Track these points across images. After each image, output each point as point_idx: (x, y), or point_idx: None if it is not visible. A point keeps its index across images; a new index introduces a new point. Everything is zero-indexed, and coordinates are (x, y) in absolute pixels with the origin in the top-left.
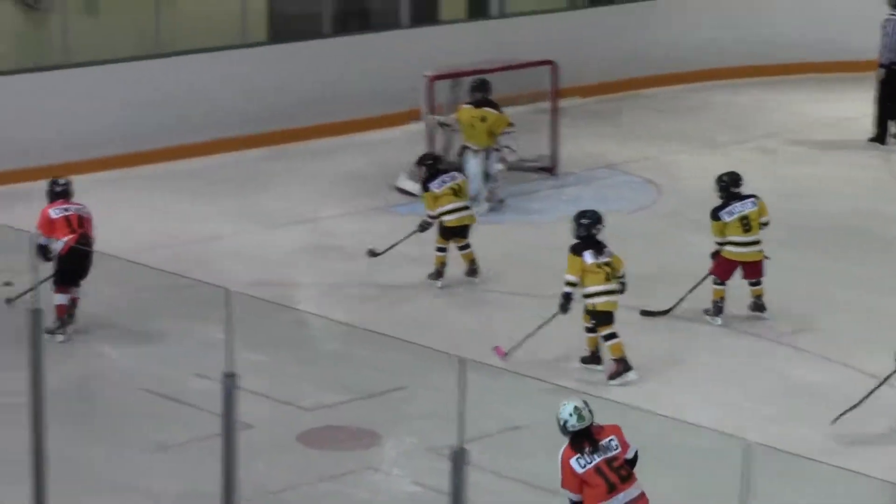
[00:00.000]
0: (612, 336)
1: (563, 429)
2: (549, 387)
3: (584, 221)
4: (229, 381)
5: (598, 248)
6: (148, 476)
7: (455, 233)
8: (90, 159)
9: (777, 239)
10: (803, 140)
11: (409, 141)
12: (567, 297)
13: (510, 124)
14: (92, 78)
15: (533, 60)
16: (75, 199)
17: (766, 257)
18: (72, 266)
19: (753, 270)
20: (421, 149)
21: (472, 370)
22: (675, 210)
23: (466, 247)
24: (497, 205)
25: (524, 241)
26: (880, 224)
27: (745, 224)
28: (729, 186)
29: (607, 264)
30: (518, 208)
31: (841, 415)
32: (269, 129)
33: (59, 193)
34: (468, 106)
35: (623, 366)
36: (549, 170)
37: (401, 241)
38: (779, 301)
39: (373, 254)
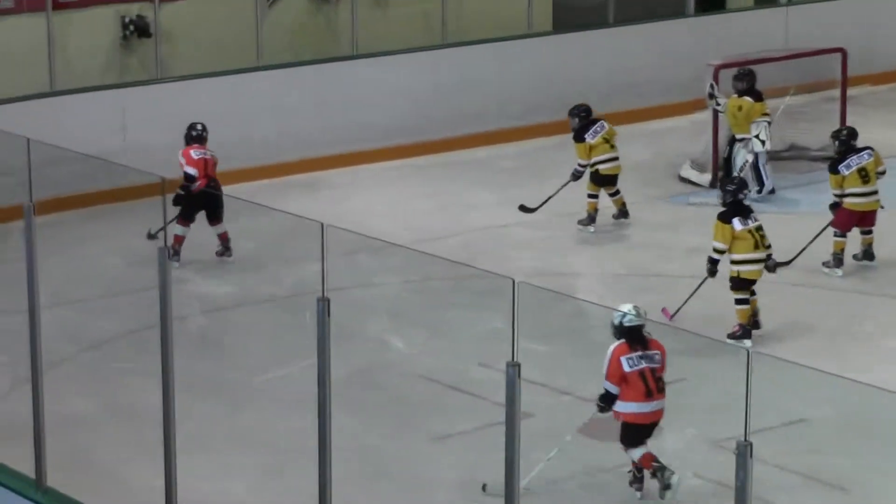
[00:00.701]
0: (744, 301)
1: (619, 327)
2: (833, 379)
3: (730, 188)
4: (513, 370)
5: (746, 213)
6: (428, 464)
7: (608, 181)
8: (377, 149)
9: None
10: None
11: (694, 131)
12: (713, 262)
13: (765, 114)
14: (378, 69)
15: (822, 48)
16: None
17: (882, 206)
18: (199, 204)
19: (869, 219)
20: (706, 138)
21: (758, 362)
22: None
23: (617, 192)
24: (766, 195)
25: (811, 231)
26: None
27: (864, 175)
28: (848, 140)
29: (758, 230)
30: (803, 200)
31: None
32: (554, 119)
33: (196, 137)
34: (734, 95)
35: (742, 331)
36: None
37: (555, 192)
38: None
39: (525, 209)
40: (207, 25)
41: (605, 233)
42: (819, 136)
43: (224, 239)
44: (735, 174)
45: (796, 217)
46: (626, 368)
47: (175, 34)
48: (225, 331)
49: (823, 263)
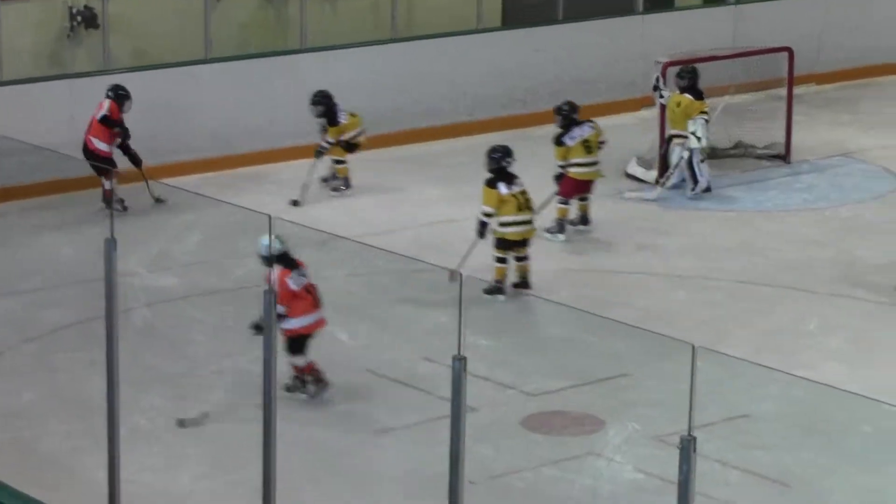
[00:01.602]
0: (502, 260)
1: (269, 256)
2: (780, 375)
3: (494, 155)
4: (459, 364)
5: (510, 179)
6: (373, 458)
7: (580, 186)
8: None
9: None
10: None
11: (642, 128)
12: (483, 225)
13: (703, 112)
14: (327, 63)
15: (769, 47)
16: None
17: (602, 175)
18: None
19: (588, 187)
20: (653, 135)
21: (702, 358)
22: None
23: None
24: (698, 193)
25: (757, 231)
26: None
27: (587, 147)
28: (570, 114)
29: (522, 194)
30: (749, 198)
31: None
32: (505, 113)
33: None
34: (676, 92)
35: (496, 289)
36: (783, 157)
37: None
38: None
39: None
40: (156, 17)
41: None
42: (765, 134)
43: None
44: (671, 171)
45: (734, 214)
46: (294, 287)
47: (123, 25)
48: (171, 323)
49: (546, 230)
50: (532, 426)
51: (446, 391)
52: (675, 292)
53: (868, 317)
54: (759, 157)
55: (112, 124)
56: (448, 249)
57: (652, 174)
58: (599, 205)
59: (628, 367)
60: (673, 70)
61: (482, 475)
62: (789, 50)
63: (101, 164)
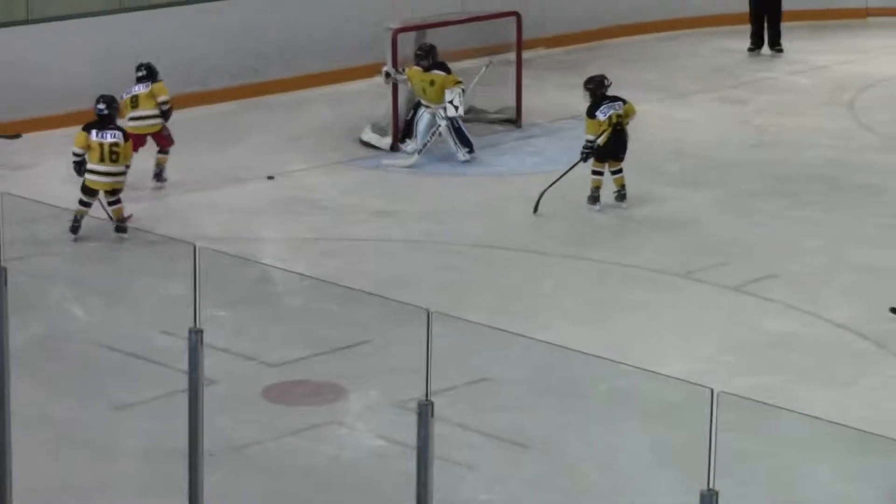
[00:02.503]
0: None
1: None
2: (518, 339)
3: (590, 86)
4: (195, 337)
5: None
6: (112, 433)
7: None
8: (55, 115)
9: (749, 190)
10: (772, 89)
11: (375, 94)
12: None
13: (458, 83)
14: (60, 33)
15: (497, 12)
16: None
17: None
18: None
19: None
20: (386, 102)
21: (438, 322)
22: (644, 162)
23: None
24: (468, 157)
25: (492, 194)
26: (848, 173)
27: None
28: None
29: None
30: (483, 161)
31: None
32: (236, 83)
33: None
34: (417, 68)
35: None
36: (514, 122)
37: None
38: (745, 249)
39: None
40: None
41: (290, 198)
42: (496, 99)
43: None
44: (417, 137)
45: (469, 179)
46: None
47: None
48: None
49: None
50: (273, 397)
51: (185, 364)
52: (413, 257)
53: (600, 277)
54: (492, 122)
55: None
56: (183, 219)
57: (387, 141)
58: (336, 173)
59: (369, 334)
60: (404, 37)
61: (223, 447)
62: (517, 14)
63: None
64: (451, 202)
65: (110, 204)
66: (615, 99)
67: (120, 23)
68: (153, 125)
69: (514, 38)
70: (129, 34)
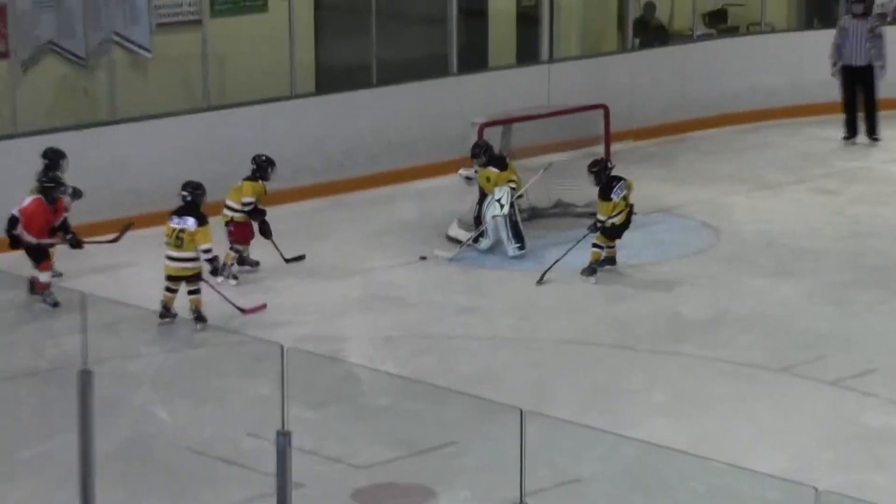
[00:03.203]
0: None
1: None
2: (610, 437)
3: (594, 169)
4: (283, 440)
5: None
6: None
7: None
8: (140, 214)
9: (843, 281)
10: (867, 178)
11: (460, 189)
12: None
13: (511, 180)
14: (140, 133)
15: (584, 105)
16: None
17: None
18: None
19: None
20: (473, 197)
21: (529, 421)
22: (734, 254)
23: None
24: (518, 252)
25: (578, 289)
26: None
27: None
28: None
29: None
30: (568, 256)
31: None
32: (322, 180)
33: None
34: (489, 168)
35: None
36: None
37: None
38: (842, 342)
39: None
40: None
41: (377, 295)
42: (584, 192)
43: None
44: (483, 227)
45: (555, 274)
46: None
47: None
48: None
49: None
50: (362, 500)
51: (272, 467)
52: (498, 354)
53: (691, 372)
54: (579, 216)
55: None
56: (269, 319)
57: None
58: (415, 268)
59: (456, 434)
60: (489, 130)
61: None
62: (604, 107)
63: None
64: (536, 298)
65: (189, 293)
66: (619, 179)
67: (207, 121)
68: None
69: (601, 131)
70: (216, 132)
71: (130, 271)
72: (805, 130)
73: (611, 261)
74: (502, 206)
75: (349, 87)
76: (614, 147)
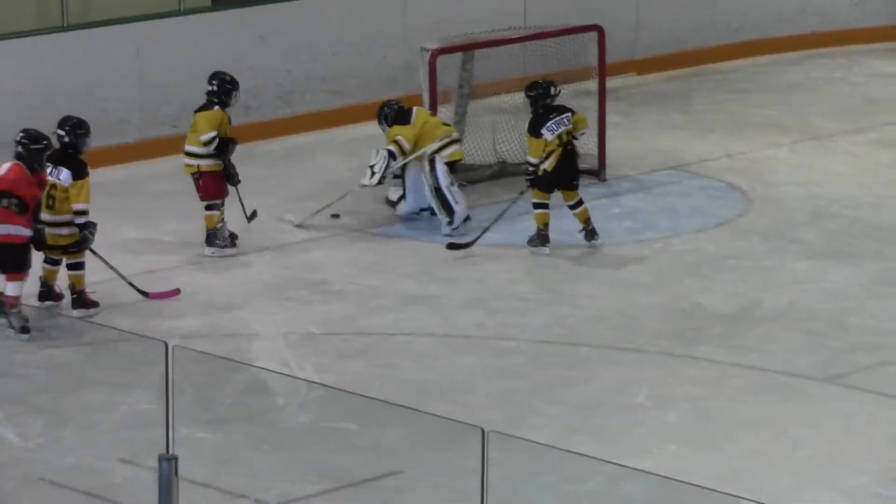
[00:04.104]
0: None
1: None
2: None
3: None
4: (167, 466)
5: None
6: None
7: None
8: None
9: None
10: None
11: None
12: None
13: (396, 140)
14: None
15: (572, 26)
16: None
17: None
18: None
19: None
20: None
21: (494, 444)
22: (771, 227)
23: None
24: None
25: (564, 272)
26: None
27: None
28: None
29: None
30: (553, 226)
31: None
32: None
33: None
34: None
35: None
36: (596, 173)
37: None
38: None
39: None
40: None
41: (293, 278)
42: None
43: None
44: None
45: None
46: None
47: None
48: None
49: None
50: None
51: (152, 501)
52: (458, 358)
53: (712, 383)
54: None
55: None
56: (149, 309)
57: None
58: (343, 242)
59: (399, 461)
60: (445, 60)
61: None
62: (599, 29)
63: None
64: (508, 284)
65: (68, 268)
66: (563, 110)
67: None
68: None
69: (594, 61)
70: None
71: None
72: (869, 64)
73: (589, 232)
74: (373, 174)
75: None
76: (611, 83)
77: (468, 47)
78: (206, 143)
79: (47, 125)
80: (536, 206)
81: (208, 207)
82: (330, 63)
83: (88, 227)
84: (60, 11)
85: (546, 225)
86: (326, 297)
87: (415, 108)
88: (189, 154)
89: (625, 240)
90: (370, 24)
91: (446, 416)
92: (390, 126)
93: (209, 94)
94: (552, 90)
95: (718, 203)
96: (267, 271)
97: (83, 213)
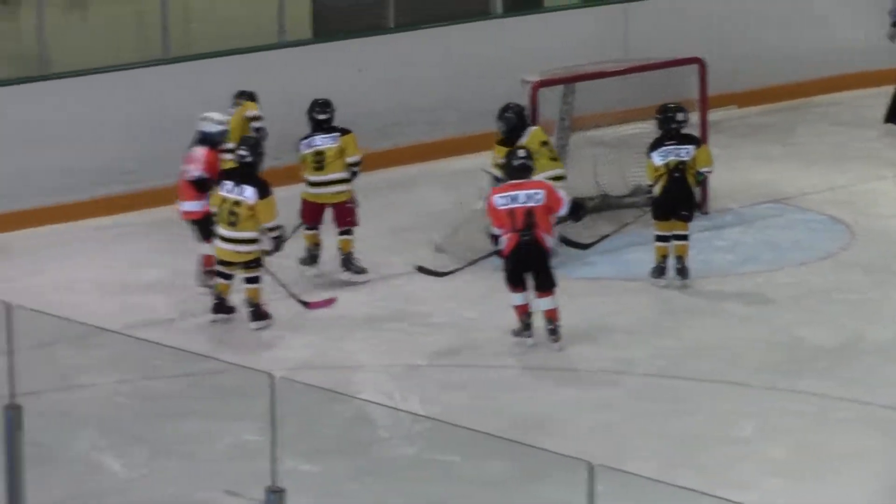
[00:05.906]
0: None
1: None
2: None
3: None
4: (274, 499)
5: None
6: None
7: None
8: (81, 201)
9: None
10: None
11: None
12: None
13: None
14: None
15: (672, 59)
16: None
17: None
18: None
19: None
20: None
21: (600, 478)
22: (876, 260)
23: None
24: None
25: (668, 305)
26: None
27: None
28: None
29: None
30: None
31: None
32: None
33: None
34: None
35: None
36: (697, 206)
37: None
38: None
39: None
40: None
41: (396, 310)
42: None
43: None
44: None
45: (637, 284)
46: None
47: None
48: None
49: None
50: None
51: None
52: (561, 391)
53: (817, 417)
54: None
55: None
56: (253, 342)
57: None
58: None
59: (503, 495)
60: (545, 93)
61: None
62: (700, 62)
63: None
64: (613, 316)
65: (246, 282)
66: (687, 140)
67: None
68: (340, 193)
69: (695, 94)
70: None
71: (61, 275)
72: None
73: (681, 270)
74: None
75: (356, 32)
76: (713, 115)
77: (570, 80)
78: (354, 164)
79: (152, 155)
80: (659, 239)
81: (346, 232)
82: (428, 95)
83: (280, 240)
84: (161, 44)
85: (664, 258)
86: (428, 329)
87: (530, 129)
88: (339, 181)
89: (726, 272)
90: (468, 55)
91: (550, 448)
92: (502, 135)
93: (325, 121)
94: (678, 116)
95: (821, 236)
96: (367, 302)
97: (274, 228)
